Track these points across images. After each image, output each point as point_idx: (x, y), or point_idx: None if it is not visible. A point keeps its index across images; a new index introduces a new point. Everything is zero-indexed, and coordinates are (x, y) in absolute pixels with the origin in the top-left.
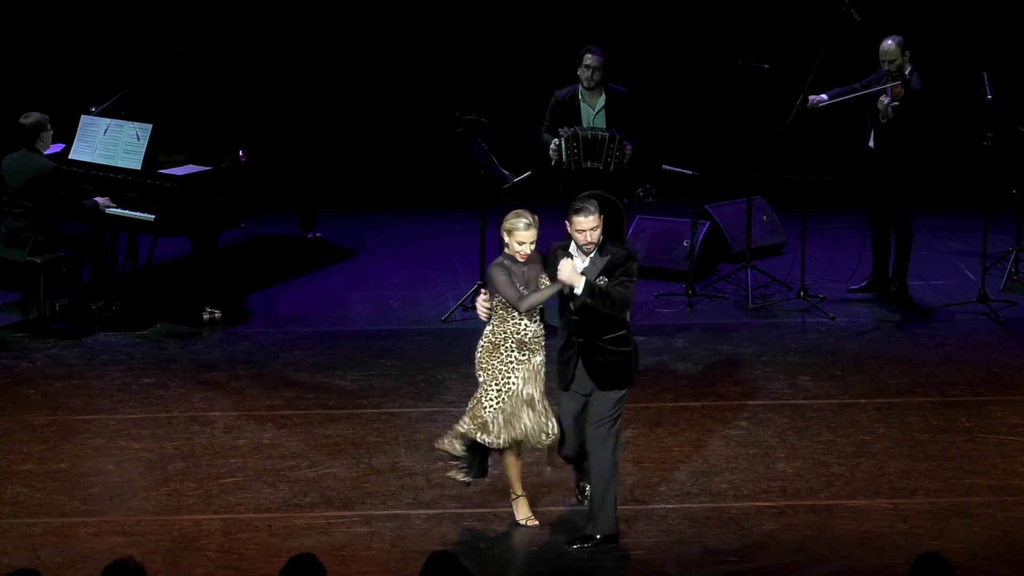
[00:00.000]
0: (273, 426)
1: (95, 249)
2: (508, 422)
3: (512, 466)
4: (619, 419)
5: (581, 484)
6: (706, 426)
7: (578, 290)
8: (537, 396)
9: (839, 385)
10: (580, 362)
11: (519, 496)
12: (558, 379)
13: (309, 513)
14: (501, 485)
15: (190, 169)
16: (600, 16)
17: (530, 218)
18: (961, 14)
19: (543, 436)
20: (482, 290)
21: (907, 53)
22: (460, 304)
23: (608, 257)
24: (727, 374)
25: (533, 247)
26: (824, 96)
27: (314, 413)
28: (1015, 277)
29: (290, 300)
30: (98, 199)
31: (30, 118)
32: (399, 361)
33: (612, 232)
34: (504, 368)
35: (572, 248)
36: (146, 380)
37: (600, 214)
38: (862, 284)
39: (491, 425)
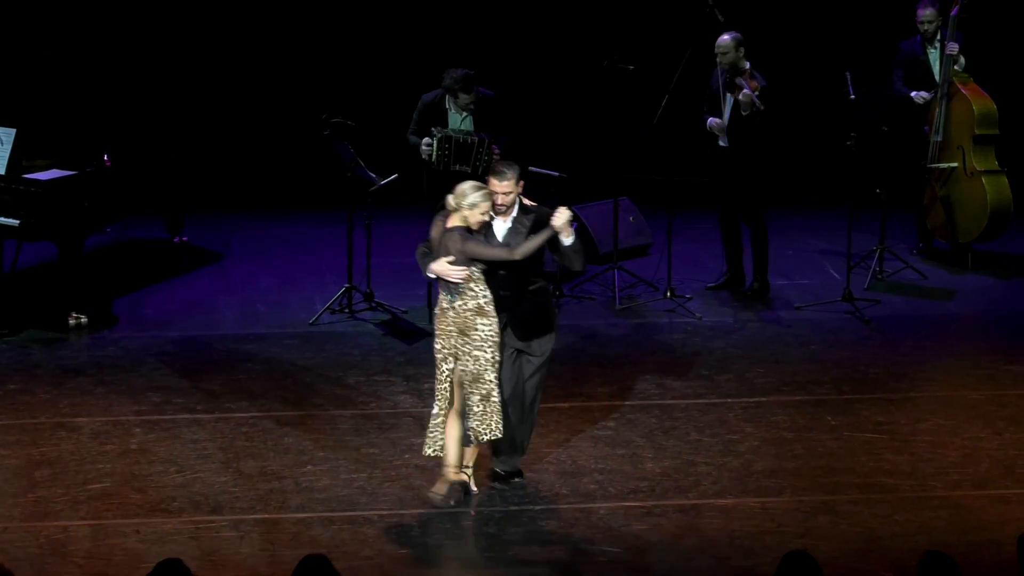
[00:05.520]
0: (141, 431)
1: None
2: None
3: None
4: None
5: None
6: (574, 427)
7: (569, 240)
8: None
9: (706, 385)
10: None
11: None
12: None
13: (177, 518)
14: (371, 487)
15: (55, 174)
16: (464, 17)
17: (485, 187)
18: (824, 14)
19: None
20: (442, 259)
21: (742, 50)
22: (328, 307)
23: (533, 215)
24: (595, 375)
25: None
26: (715, 120)
27: (181, 418)
28: (880, 276)
29: (157, 304)
30: None
31: None
32: (266, 364)
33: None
34: (497, 329)
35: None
36: (12, 386)
37: (518, 180)
38: (718, 281)
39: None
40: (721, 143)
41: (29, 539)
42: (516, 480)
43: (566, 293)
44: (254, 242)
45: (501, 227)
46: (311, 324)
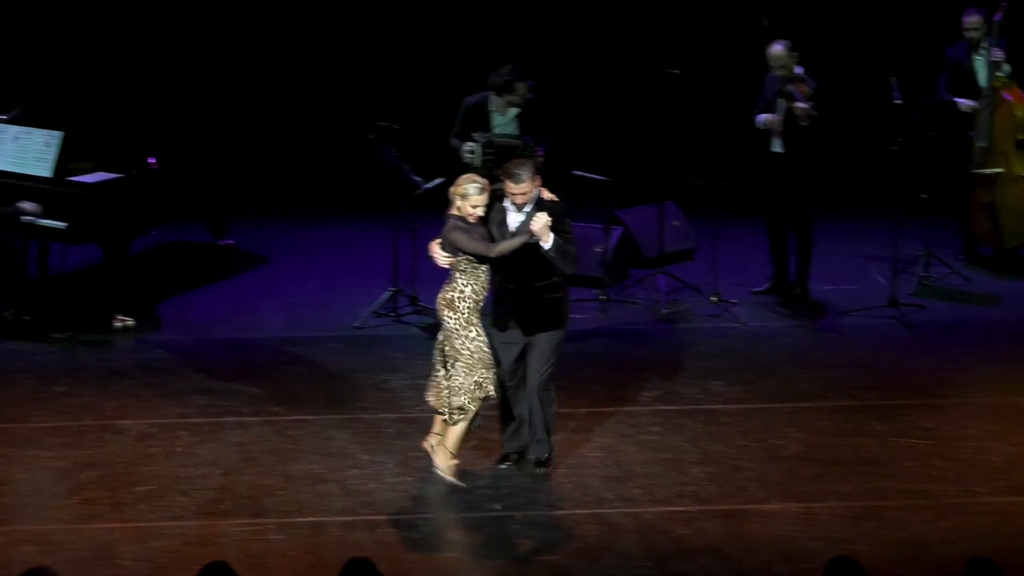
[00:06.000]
0: (186, 434)
1: (7, 257)
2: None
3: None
4: (555, 366)
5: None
6: (619, 432)
7: (548, 244)
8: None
9: (751, 390)
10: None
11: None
12: (493, 323)
13: (223, 521)
14: (416, 490)
15: (100, 176)
16: (508, 20)
17: (482, 183)
18: (870, 19)
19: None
20: (437, 242)
21: (796, 55)
22: (373, 310)
23: (546, 212)
24: (640, 379)
25: (484, 210)
26: (767, 115)
27: (227, 420)
28: (926, 282)
29: (202, 308)
30: (25, 204)
31: None
32: (312, 368)
33: None
34: (468, 324)
35: (506, 202)
36: (58, 388)
37: (533, 178)
38: (765, 287)
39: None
40: (775, 148)
41: (75, 541)
42: (539, 470)
43: (612, 297)
44: (299, 246)
45: (515, 219)
46: (356, 327)
